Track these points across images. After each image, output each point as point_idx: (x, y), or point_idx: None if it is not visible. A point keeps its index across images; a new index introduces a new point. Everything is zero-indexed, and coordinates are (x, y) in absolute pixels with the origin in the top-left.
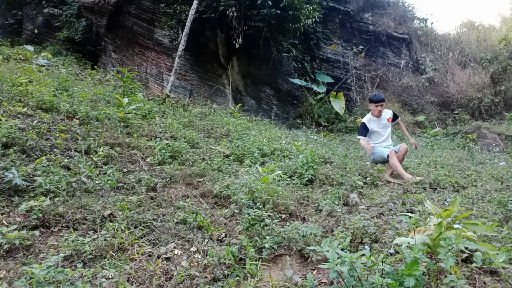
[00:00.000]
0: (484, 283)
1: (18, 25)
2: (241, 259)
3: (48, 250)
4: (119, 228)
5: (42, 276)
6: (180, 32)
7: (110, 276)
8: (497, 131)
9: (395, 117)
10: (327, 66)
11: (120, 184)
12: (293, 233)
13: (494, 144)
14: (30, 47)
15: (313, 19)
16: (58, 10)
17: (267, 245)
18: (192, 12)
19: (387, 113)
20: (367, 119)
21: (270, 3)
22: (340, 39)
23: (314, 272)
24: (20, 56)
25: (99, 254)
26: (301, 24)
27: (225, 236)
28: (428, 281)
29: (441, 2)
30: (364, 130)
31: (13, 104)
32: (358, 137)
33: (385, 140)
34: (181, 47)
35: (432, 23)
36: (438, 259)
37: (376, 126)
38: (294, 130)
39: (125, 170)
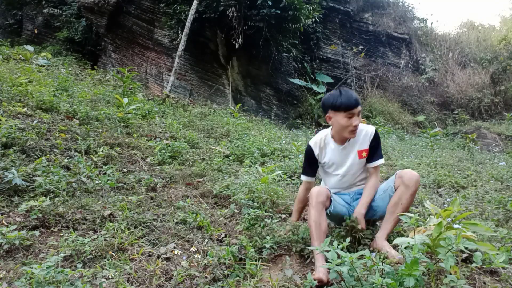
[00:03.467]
0: (484, 283)
1: (18, 25)
2: (241, 259)
3: (48, 250)
4: (119, 228)
5: (42, 276)
6: (180, 32)
7: (110, 276)
8: (497, 131)
9: (373, 152)
10: (327, 66)
11: (120, 184)
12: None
13: (494, 144)
14: (30, 47)
15: (313, 19)
16: (58, 10)
17: (267, 245)
18: (192, 12)
19: (362, 136)
20: (315, 142)
21: (270, 3)
22: (340, 39)
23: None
24: (20, 56)
25: (99, 254)
26: (301, 24)
27: (225, 236)
28: (428, 281)
29: (441, 2)
30: (308, 165)
31: (13, 104)
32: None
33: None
34: (181, 47)
35: (432, 23)
36: (438, 259)
37: (336, 158)
38: (294, 130)
39: (125, 170)
